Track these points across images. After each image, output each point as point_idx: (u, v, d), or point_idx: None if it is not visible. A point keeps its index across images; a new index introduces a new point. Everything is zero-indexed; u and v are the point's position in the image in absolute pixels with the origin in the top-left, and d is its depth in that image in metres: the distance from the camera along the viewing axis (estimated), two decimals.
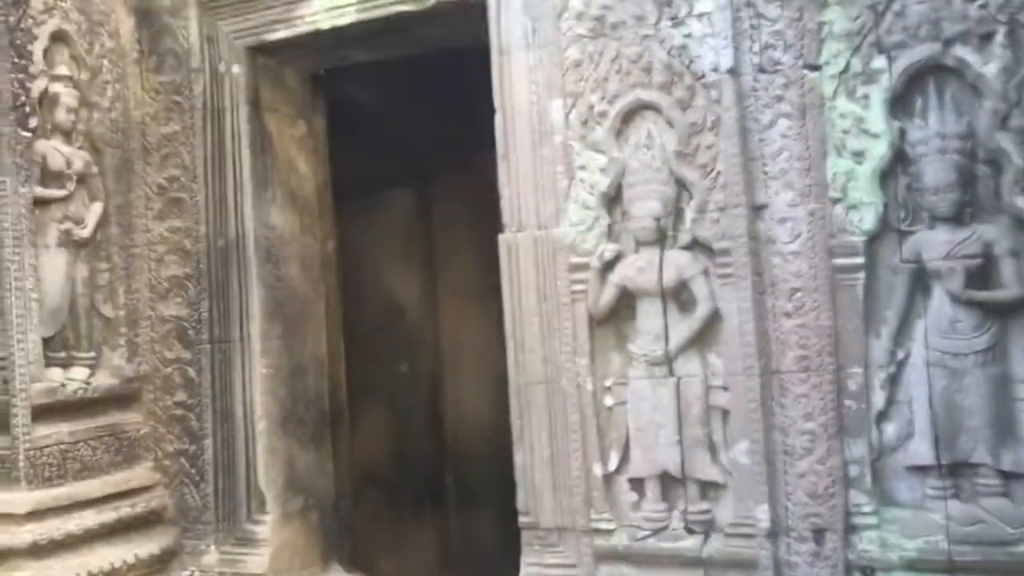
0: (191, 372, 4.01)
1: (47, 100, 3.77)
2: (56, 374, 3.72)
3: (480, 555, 6.06)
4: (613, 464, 3.32)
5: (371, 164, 5.63)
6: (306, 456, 4.14)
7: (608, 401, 3.34)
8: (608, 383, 3.34)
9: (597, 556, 3.30)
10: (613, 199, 3.34)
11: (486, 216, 6.28)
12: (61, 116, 3.81)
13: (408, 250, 6.20)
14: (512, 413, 3.47)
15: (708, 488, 3.22)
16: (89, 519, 3.68)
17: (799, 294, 3.10)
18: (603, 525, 3.30)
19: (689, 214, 3.24)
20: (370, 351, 5.73)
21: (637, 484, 3.30)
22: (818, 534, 3.06)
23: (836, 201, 3.07)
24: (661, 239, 3.27)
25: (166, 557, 3.91)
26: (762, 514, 3.09)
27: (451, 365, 6.28)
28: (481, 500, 6.17)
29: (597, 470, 3.32)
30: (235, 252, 3.98)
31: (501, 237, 3.50)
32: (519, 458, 3.44)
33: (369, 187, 5.77)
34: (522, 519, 3.42)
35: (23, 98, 3.63)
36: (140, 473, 3.97)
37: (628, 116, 3.31)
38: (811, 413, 3.07)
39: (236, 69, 4.00)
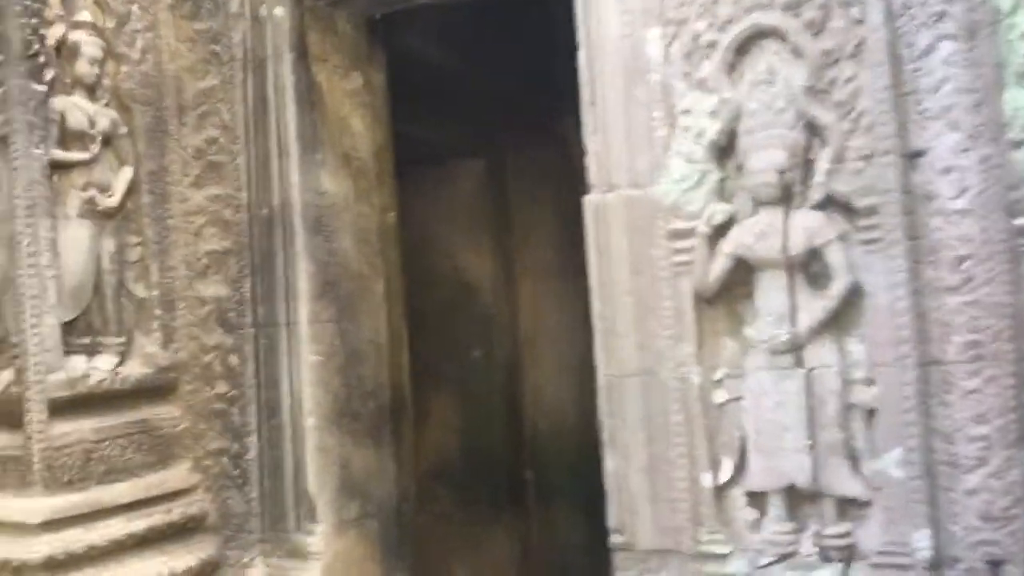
0: (233, 360, 3.52)
1: (66, 50, 3.30)
2: (78, 363, 3.26)
3: (564, 559, 5.53)
4: (726, 474, 2.71)
5: (436, 128, 5.09)
6: (363, 455, 3.62)
7: (719, 397, 2.73)
8: (719, 375, 2.73)
9: None
10: (725, 149, 2.72)
11: (567, 188, 5.71)
12: (83, 68, 3.34)
13: (480, 224, 5.65)
14: (600, 410, 2.89)
15: (848, 506, 2.58)
16: (116, 528, 3.22)
17: (968, 263, 2.44)
18: (715, 548, 2.70)
19: (822, 165, 2.59)
20: (438, 336, 5.21)
21: (757, 499, 2.69)
22: (994, 567, 2.41)
23: (1017, 145, 2.40)
24: (786, 197, 2.63)
25: (207, 570, 3.44)
26: (921, 540, 2.45)
27: (530, 350, 5.72)
28: (565, 499, 5.62)
29: (706, 481, 2.72)
30: (280, 223, 3.47)
31: (587, 199, 2.91)
32: (610, 464, 2.85)
33: (434, 154, 5.23)
34: (615, 538, 2.84)
35: (36, 47, 3.17)
36: (176, 475, 3.50)
37: (744, 46, 2.68)
38: (984, 414, 2.42)
39: (279, 12, 3.47)
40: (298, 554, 3.37)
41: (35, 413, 3.08)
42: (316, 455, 3.41)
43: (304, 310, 3.44)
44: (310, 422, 3.41)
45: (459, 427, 5.52)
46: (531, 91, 5.06)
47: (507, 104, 5.27)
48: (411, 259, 4.23)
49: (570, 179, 5.82)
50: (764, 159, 2.63)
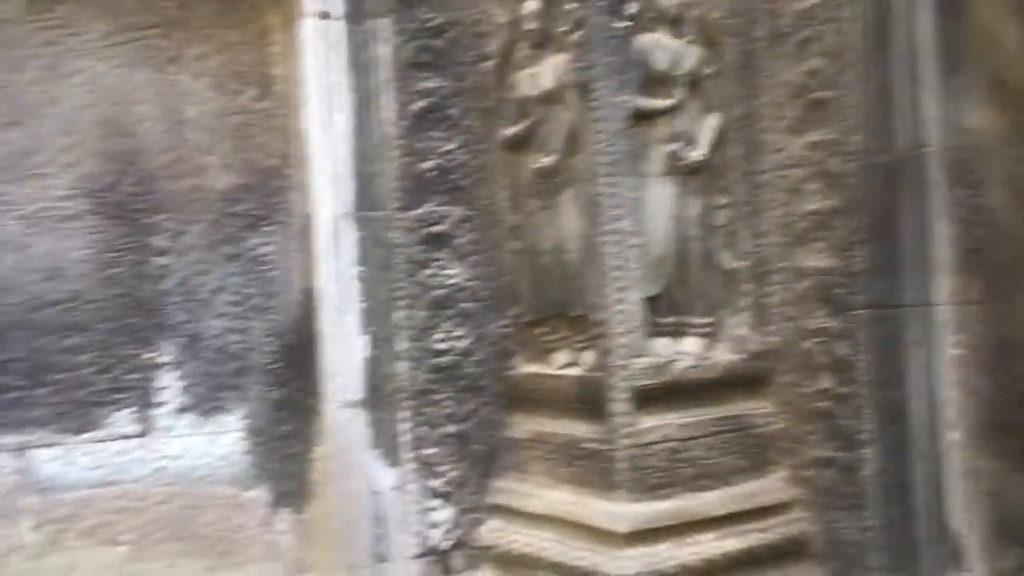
0: (841, 349, 2.78)
1: None
2: (663, 346, 2.79)
3: None
4: None
5: None
6: (1019, 483, 2.67)
7: None
8: None
9: None
10: None
11: None
12: None
13: None
14: None
15: None
16: (707, 545, 2.69)
17: None
18: None
19: None
20: None
21: None
22: None
23: None
24: None
25: None
26: None
27: None
28: None
29: None
30: (907, 172, 2.65)
31: None
32: None
33: None
34: None
35: None
36: (771, 485, 2.88)
37: None
38: None
39: None
40: None
41: (619, 403, 2.66)
42: (962, 481, 2.54)
43: (943, 286, 2.58)
44: (952, 436, 2.55)
45: None
46: None
47: None
48: None
49: None
50: None
